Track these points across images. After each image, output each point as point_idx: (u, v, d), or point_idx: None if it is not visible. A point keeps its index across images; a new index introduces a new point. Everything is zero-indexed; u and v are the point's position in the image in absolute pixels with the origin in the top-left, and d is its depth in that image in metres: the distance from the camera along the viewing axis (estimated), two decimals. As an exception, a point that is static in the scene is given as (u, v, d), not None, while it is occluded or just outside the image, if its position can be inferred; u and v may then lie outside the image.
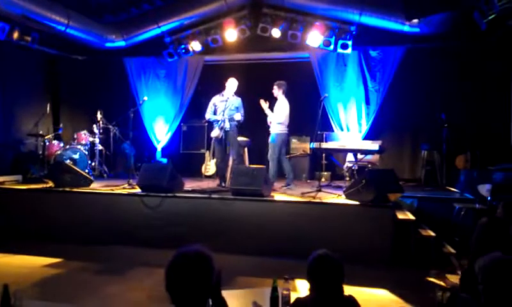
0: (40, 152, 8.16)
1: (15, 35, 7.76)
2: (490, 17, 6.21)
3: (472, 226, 3.58)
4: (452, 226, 5.87)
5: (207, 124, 8.65)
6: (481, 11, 6.31)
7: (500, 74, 7.73)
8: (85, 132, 8.62)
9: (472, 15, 6.58)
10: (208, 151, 8.51)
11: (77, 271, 5.13)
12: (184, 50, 9.02)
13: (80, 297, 4.16)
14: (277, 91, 7.40)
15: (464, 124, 7.93)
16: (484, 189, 5.87)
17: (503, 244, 2.93)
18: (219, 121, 7.12)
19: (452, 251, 5.41)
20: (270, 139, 7.37)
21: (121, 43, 9.33)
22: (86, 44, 9.13)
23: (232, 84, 7.28)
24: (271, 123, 7.37)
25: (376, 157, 8.13)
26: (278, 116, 7.28)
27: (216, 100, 7.31)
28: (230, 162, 7.44)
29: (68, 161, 7.51)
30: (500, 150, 7.52)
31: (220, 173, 7.54)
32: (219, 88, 7.46)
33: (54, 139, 8.58)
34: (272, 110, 7.39)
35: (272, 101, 7.51)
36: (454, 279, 3.91)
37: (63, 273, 5.06)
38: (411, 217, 5.68)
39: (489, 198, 5.63)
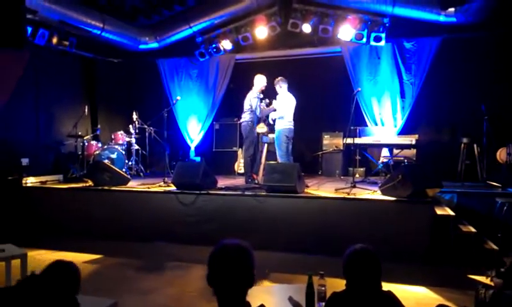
0: (79, 152, 8.45)
1: (54, 40, 8.08)
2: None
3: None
4: (494, 222, 5.64)
5: (238, 122, 8.68)
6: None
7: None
8: (122, 132, 8.87)
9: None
10: (240, 149, 8.56)
11: (116, 267, 5.29)
12: (215, 49, 9.10)
13: (119, 292, 4.28)
14: (277, 87, 7.35)
15: (506, 116, 7.57)
16: (528, 183, 5.60)
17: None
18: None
19: (495, 247, 5.20)
20: (274, 137, 7.33)
21: (155, 45, 9.53)
22: (121, 47, 9.39)
23: (258, 80, 7.35)
24: (273, 120, 7.38)
25: (412, 152, 7.91)
26: (278, 112, 7.24)
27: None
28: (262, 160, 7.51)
29: (106, 161, 7.73)
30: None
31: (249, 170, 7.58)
32: (251, 86, 7.49)
33: (93, 140, 8.86)
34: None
35: (298, 97, 7.47)
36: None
37: (103, 268, 5.23)
38: (451, 212, 5.52)
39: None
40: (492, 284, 3.07)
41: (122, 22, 8.98)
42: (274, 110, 7.34)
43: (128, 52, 9.66)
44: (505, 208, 5.57)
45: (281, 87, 7.32)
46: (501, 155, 7.45)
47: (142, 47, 9.52)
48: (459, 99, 8.02)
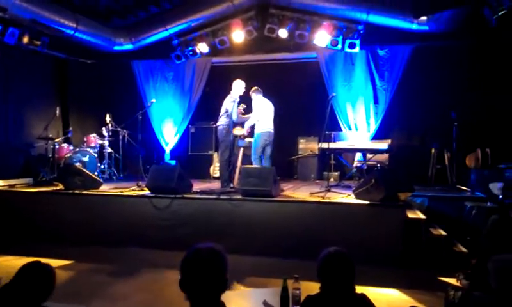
0: (50, 155, 8.22)
1: (25, 40, 7.86)
2: (500, 13, 6.13)
3: (483, 224, 3.54)
4: (463, 225, 5.80)
5: (214, 126, 8.64)
6: (491, 7, 6.24)
7: (510, 71, 7.63)
8: (94, 134, 8.71)
9: (482, 11, 6.51)
10: (216, 153, 8.52)
11: (87, 272, 5.15)
12: (191, 52, 9.05)
13: (90, 298, 4.17)
14: (252, 95, 7.46)
15: (474, 122, 7.84)
16: (495, 187, 5.79)
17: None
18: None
19: (464, 250, 5.34)
20: (252, 140, 7.45)
21: (129, 46, 9.40)
22: (95, 47, 9.22)
23: (237, 85, 7.36)
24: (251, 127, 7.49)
25: (385, 156, 8.07)
26: (253, 119, 7.37)
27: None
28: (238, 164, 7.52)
29: (77, 164, 7.57)
30: (511, 148, 7.42)
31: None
32: (227, 89, 7.48)
33: (64, 142, 8.65)
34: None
35: (275, 101, 7.55)
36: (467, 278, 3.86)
37: (74, 274, 5.08)
38: (422, 216, 5.64)
39: (500, 197, 5.56)
40: (461, 285, 3.16)
41: (96, 22, 8.82)
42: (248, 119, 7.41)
43: (102, 53, 9.49)
44: (473, 211, 5.73)
45: (256, 95, 7.42)
46: (470, 160, 7.70)
47: (116, 48, 9.37)
48: (431, 106, 8.25)
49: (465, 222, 5.78)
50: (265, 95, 7.49)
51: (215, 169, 8.97)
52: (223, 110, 7.30)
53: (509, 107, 7.57)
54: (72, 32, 8.27)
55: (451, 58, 8.17)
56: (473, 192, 6.60)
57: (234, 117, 7.26)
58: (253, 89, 7.46)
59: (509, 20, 6.69)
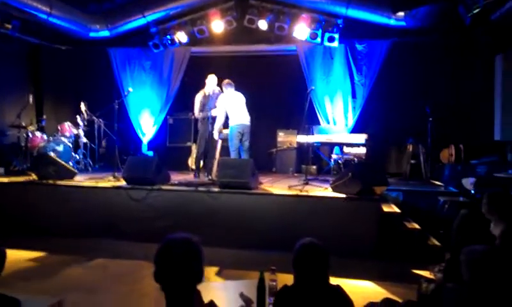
0: (23, 144, 7.99)
1: (-5, 22, 7.57)
2: (474, 11, 6.26)
3: (455, 218, 3.65)
4: (436, 219, 5.95)
5: (193, 117, 8.56)
6: (466, 4, 6.36)
7: (484, 69, 7.83)
8: (69, 123, 8.50)
9: (457, 8, 6.63)
10: (195, 144, 8.45)
11: (61, 264, 5.05)
12: (169, 41, 8.91)
13: (65, 290, 4.09)
14: (223, 88, 7.40)
15: (449, 118, 8.02)
16: (468, 183, 5.96)
17: (482, 234, 3.00)
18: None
19: (437, 243, 5.48)
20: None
21: (106, 33, 9.18)
22: (70, 33, 8.97)
23: (210, 80, 7.37)
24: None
25: (362, 150, 8.18)
26: (220, 110, 7.35)
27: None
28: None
29: (51, 153, 7.37)
30: (483, 144, 7.64)
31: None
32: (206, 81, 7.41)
33: (37, 131, 8.41)
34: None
35: (244, 93, 7.54)
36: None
37: (47, 266, 4.98)
38: (397, 210, 5.75)
39: (472, 191, 5.72)
40: (434, 278, 3.23)
41: (71, 7, 8.55)
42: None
43: (77, 39, 9.23)
44: (446, 206, 5.89)
45: (227, 89, 7.34)
46: (443, 155, 7.90)
47: (92, 34, 9.13)
48: (407, 101, 8.38)
49: (438, 216, 5.94)
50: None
51: (193, 161, 8.90)
52: (200, 104, 7.23)
53: (482, 104, 7.78)
54: (45, 16, 7.99)
55: (427, 54, 8.32)
56: (447, 187, 6.77)
57: (196, 112, 7.22)
58: (225, 82, 7.37)
59: (483, 18, 6.86)
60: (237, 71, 8.56)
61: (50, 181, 6.52)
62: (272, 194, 6.02)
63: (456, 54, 8.19)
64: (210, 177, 7.20)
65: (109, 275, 4.71)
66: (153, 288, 1.80)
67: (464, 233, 3.07)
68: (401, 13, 7.72)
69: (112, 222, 6.10)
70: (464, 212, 3.24)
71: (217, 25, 8.53)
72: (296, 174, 8.54)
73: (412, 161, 7.95)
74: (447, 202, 5.91)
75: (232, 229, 5.74)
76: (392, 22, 7.91)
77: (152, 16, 8.76)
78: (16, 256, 5.22)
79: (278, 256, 4.20)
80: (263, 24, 8.31)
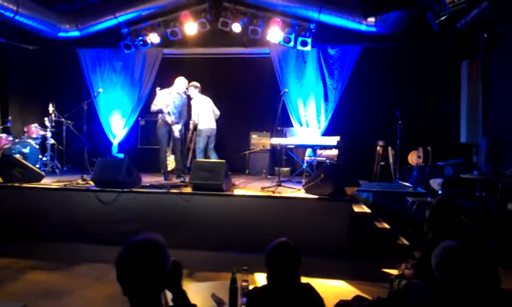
0: (-13, 146, 7.69)
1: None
2: (442, 18, 6.45)
3: (423, 218, 3.73)
4: (405, 219, 6.10)
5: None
6: (434, 11, 6.54)
7: (451, 74, 8.10)
8: (36, 125, 8.25)
9: (425, 15, 6.83)
10: (168, 147, 8.34)
11: (28, 270, 4.87)
12: (141, 42, 8.79)
13: (30, 296, 3.96)
14: (190, 91, 7.50)
15: (417, 121, 8.27)
16: (435, 183, 6.12)
17: (453, 227, 3.08)
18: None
19: (406, 242, 5.60)
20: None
21: (76, 33, 8.98)
22: (38, 33, 8.71)
23: (180, 82, 7.36)
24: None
25: (334, 152, 8.30)
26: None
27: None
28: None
29: (17, 155, 7.14)
30: (450, 147, 7.90)
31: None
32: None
33: (2, 132, 8.16)
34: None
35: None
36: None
37: (13, 272, 4.78)
38: (367, 210, 5.84)
39: (440, 192, 5.89)
40: (405, 275, 3.30)
41: (40, 6, 8.31)
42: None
43: (46, 39, 8.98)
44: (414, 206, 6.05)
45: (193, 92, 7.45)
46: (412, 157, 8.11)
47: (61, 34, 8.90)
48: (377, 104, 8.58)
49: (407, 216, 6.08)
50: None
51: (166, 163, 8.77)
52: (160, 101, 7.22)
53: (450, 108, 8.03)
54: (11, 15, 7.73)
55: (397, 59, 8.54)
56: (415, 187, 6.95)
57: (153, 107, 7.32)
58: (190, 84, 7.45)
59: (450, 25, 7.09)
60: (211, 73, 8.53)
61: (16, 184, 6.30)
62: (245, 196, 6.01)
63: (424, 59, 8.44)
64: (183, 178, 7.14)
65: (76, 280, 4.58)
66: (120, 293, 1.72)
67: (434, 223, 3.15)
68: (372, 19, 7.88)
69: (80, 226, 5.94)
70: (434, 202, 3.30)
71: (191, 27, 8.48)
72: (269, 176, 8.58)
73: (382, 163, 8.12)
74: (415, 202, 6.07)
75: (204, 231, 5.70)
76: (363, 27, 8.07)
77: (123, 16, 8.62)
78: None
79: (251, 258, 4.20)
80: (237, 27, 8.32)
